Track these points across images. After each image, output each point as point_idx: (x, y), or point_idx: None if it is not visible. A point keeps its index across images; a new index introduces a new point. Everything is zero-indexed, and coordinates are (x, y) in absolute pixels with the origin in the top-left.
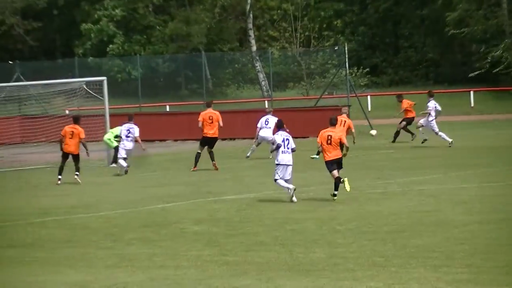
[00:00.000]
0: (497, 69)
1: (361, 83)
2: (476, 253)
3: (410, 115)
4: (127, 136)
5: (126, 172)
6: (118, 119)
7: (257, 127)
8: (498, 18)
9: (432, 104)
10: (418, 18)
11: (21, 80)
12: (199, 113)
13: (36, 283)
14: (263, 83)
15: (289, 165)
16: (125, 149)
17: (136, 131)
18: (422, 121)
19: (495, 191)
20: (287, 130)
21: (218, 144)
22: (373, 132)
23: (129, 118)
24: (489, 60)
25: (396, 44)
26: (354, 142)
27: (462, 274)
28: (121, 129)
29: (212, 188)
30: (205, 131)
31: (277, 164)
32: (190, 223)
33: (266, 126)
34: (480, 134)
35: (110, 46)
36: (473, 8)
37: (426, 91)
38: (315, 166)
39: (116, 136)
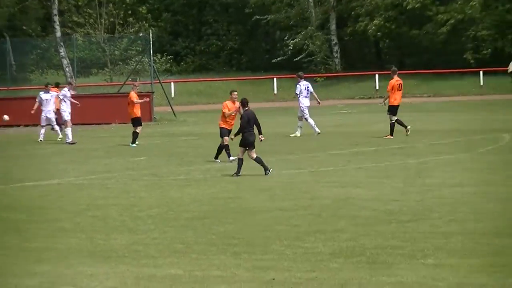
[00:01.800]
0: (299, 57)
1: (164, 70)
2: (277, 240)
3: None
4: None
5: None
6: None
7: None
8: (301, 5)
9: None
10: (222, 5)
11: None
12: (2, 99)
13: None
14: (67, 69)
15: None
16: None
17: None
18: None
19: (297, 178)
20: None
21: (14, 130)
22: (6, 117)
23: None
24: (291, 48)
25: (200, 31)
26: None
27: (263, 261)
28: None
29: (14, 175)
30: None
31: None
32: None
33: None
34: (282, 121)
35: None
36: None
37: (230, 78)
38: (119, 153)
39: None
